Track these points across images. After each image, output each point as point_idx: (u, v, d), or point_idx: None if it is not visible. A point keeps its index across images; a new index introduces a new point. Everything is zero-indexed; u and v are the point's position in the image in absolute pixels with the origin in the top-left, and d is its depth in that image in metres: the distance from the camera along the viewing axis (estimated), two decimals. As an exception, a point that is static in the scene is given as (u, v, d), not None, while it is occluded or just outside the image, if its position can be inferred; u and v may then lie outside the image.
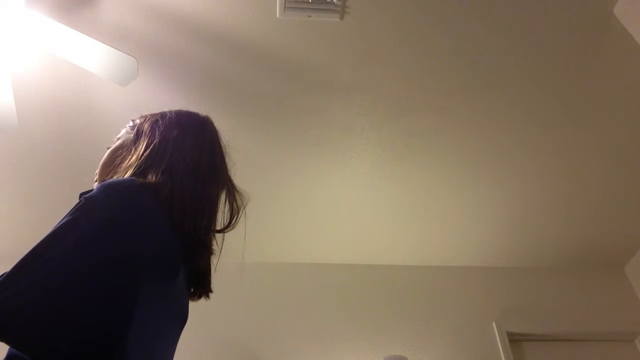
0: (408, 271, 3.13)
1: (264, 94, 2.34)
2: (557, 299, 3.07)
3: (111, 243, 0.78)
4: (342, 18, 2.07)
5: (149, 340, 0.81)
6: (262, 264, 3.00)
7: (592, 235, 3.09)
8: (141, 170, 0.94)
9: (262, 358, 2.67)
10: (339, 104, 2.38)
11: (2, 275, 0.71)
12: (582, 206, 2.92)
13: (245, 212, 1.09)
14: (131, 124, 1.10)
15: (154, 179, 0.92)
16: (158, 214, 0.88)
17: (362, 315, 2.87)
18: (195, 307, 1.06)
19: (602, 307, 3.06)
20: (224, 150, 1.11)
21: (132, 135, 1.05)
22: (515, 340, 2.90)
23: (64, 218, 0.78)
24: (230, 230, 1.06)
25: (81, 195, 0.84)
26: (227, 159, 1.11)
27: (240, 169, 1.17)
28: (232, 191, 1.08)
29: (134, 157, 0.98)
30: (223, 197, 1.07)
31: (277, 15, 2.06)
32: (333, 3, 2.02)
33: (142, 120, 1.09)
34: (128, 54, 1.81)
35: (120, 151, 1.04)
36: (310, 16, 2.06)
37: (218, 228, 1.05)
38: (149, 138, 1.01)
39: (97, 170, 1.07)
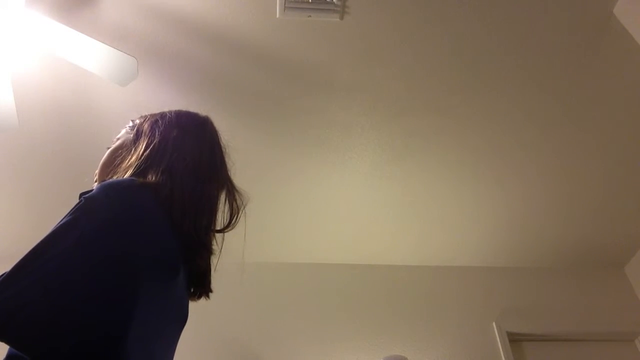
0: (408, 271, 3.13)
1: (263, 93, 2.34)
2: (557, 299, 3.07)
3: (111, 243, 0.78)
4: (342, 18, 2.07)
5: (149, 340, 0.81)
6: (262, 264, 3.00)
7: (592, 235, 3.09)
8: (141, 170, 0.94)
9: (262, 358, 2.67)
10: (339, 104, 2.38)
11: (2, 275, 0.71)
12: (582, 206, 2.92)
13: (245, 212, 1.09)
14: (131, 124, 1.10)
15: (153, 179, 0.92)
16: (158, 214, 0.88)
17: (362, 315, 2.87)
18: (195, 307, 1.06)
19: (602, 307, 3.05)
20: (223, 150, 1.11)
21: (131, 136, 1.05)
22: (515, 340, 2.90)
23: (64, 218, 0.78)
24: (230, 230, 1.07)
25: (81, 195, 0.84)
26: (226, 159, 1.11)
27: (240, 168, 1.18)
28: (231, 191, 1.09)
29: (133, 157, 0.98)
30: (223, 197, 1.07)
31: (277, 15, 2.06)
32: (333, 3, 2.02)
33: (142, 120, 1.09)
34: (128, 54, 1.81)
35: (120, 151, 1.04)
36: (310, 16, 2.06)
37: (218, 228, 1.05)
38: (149, 138, 1.01)
39: (97, 171, 1.07)
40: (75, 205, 0.80)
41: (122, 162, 1.00)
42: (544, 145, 2.59)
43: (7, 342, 0.67)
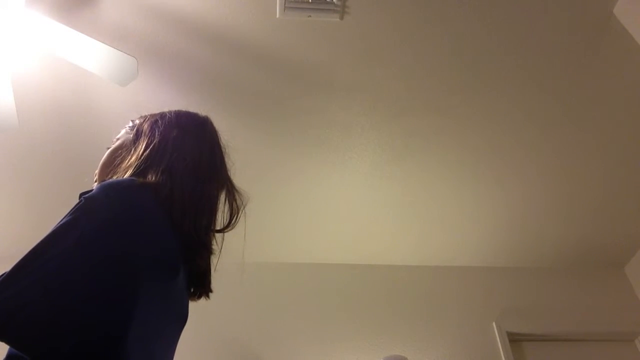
0: (408, 271, 3.13)
1: (263, 93, 2.34)
2: (557, 299, 3.07)
3: (111, 243, 0.78)
4: (342, 18, 2.07)
5: (149, 340, 0.81)
6: (262, 264, 3.00)
7: (592, 235, 3.09)
8: (141, 170, 0.94)
9: (262, 358, 2.67)
10: (339, 104, 2.38)
11: (2, 275, 0.71)
12: (582, 206, 2.92)
13: (245, 212, 1.09)
14: (131, 124, 1.10)
15: (153, 178, 0.92)
16: (158, 214, 0.88)
17: (362, 315, 2.87)
18: (195, 307, 1.06)
19: (602, 307, 3.05)
20: (223, 150, 1.11)
21: (131, 136, 1.05)
22: (515, 340, 2.89)
23: (64, 218, 0.78)
24: (230, 230, 1.07)
25: (81, 195, 0.84)
26: (226, 159, 1.11)
27: (240, 168, 1.18)
28: (231, 191, 1.09)
29: (133, 157, 0.98)
30: (223, 197, 1.07)
31: (277, 15, 2.06)
32: (333, 3, 2.02)
33: (142, 120, 1.09)
34: (128, 54, 1.81)
35: (119, 151, 1.04)
36: (310, 16, 2.06)
37: (218, 228, 1.05)
38: (149, 138, 1.01)
39: (97, 171, 1.07)
40: (75, 205, 0.80)
41: (122, 162, 1.00)
42: (544, 145, 2.60)
43: (7, 342, 0.67)
